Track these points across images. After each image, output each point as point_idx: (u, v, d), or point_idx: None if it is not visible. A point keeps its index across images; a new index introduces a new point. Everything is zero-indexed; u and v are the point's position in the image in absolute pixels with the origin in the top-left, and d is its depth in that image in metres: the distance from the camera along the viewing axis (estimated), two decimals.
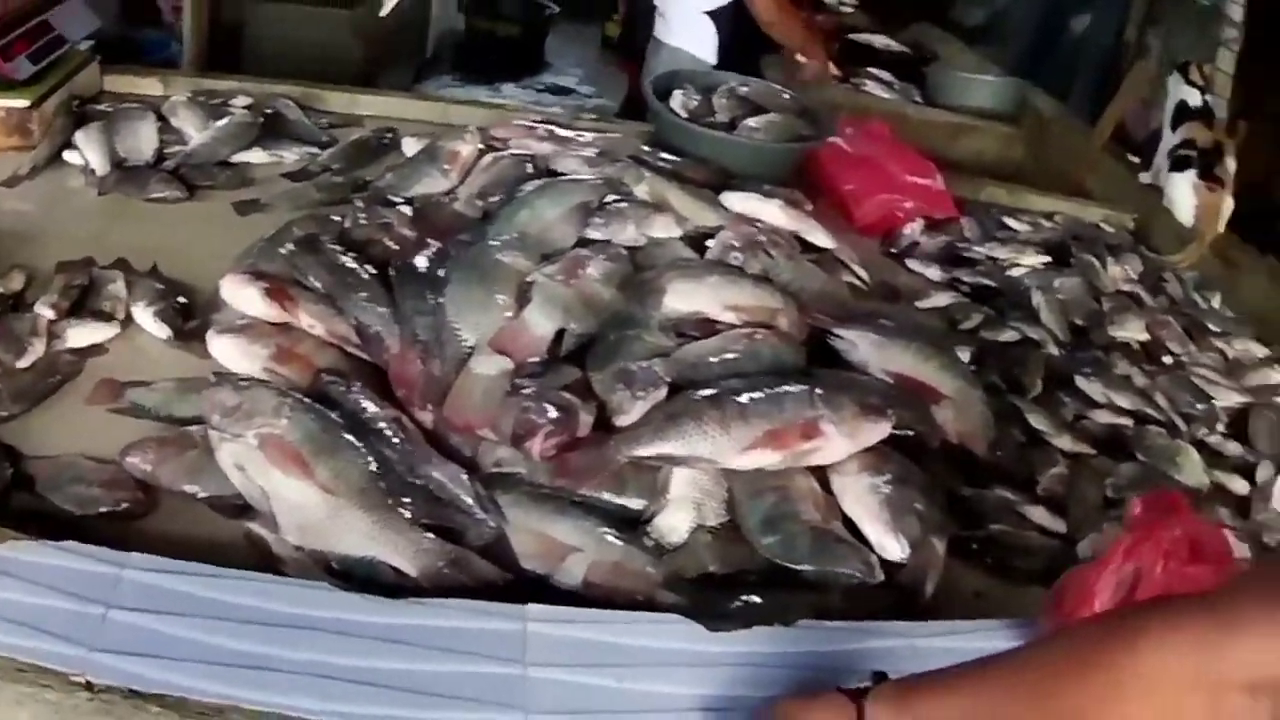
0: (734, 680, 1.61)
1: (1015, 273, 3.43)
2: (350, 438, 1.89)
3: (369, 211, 2.64)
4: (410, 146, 3.14)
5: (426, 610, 1.63)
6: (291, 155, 3.11)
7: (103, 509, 1.81)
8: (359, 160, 3.13)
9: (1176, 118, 4.05)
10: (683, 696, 1.58)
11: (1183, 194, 3.92)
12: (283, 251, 2.38)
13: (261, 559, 1.77)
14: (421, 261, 2.35)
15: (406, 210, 2.69)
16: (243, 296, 2.25)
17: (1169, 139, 4.09)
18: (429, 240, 2.44)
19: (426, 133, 3.17)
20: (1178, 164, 3.96)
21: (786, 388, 2.09)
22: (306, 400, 1.95)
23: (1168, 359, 3.15)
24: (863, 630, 1.74)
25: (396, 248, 2.48)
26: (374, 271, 2.34)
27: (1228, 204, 3.86)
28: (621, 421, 2.05)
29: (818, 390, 2.08)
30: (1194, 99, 4.03)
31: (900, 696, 1.40)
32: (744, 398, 2.04)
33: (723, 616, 1.71)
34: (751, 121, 3.46)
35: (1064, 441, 2.58)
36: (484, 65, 8.33)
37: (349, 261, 2.35)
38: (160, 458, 1.90)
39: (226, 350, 2.16)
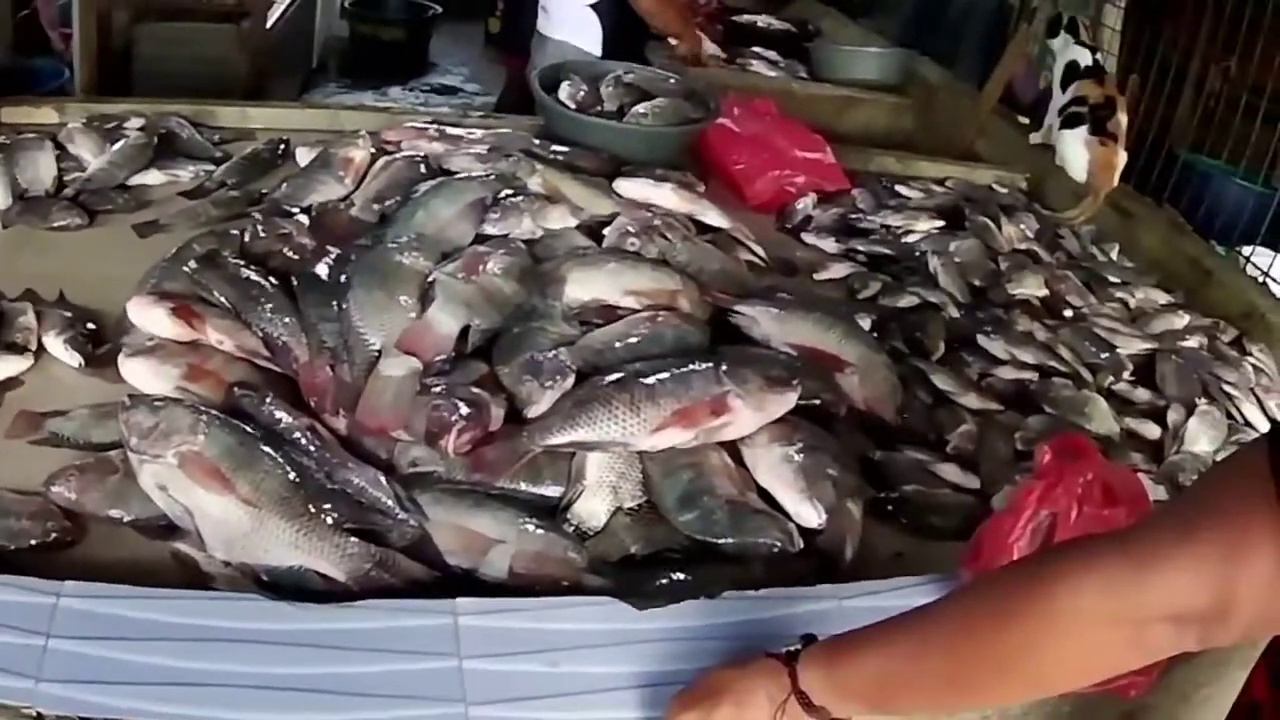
0: (665, 655, 1.66)
1: (910, 239, 3.49)
2: (267, 449, 1.89)
3: (267, 223, 2.64)
4: (304, 156, 3.14)
5: (357, 613, 1.65)
6: (186, 173, 3.09)
7: (33, 541, 1.80)
8: (253, 173, 3.13)
9: (1067, 77, 4.14)
10: (616, 675, 1.62)
11: (1075, 150, 4.01)
12: (186, 270, 2.38)
13: (192, 578, 1.77)
14: (323, 269, 2.37)
15: (304, 219, 2.72)
16: (150, 317, 2.25)
17: (1059, 98, 4.18)
18: (328, 248, 2.46)
19: (319, 141, 3.18)
20: (1069, 121, 4.05)
21: (692, 366, 2.13)
22: (222, 416, 1.94)
23: (1068, 313, 3.23)
24: (788, 596, 1.79)
25: (296, 257, 2.50)
26: (276, 283, 2.34)
27: (1121, 157, 3.96)
28: (532, 412, 2.08)
29: (723, 366, 2.13)
30: (1085, 58, 4.12)
31: (828, 656, 1.45)
32: (651, 379, 2.07)
33: (648, 595, 1.75)
34: (640, 108, 3.51)
35: (970, 400, 2.65)
36: (370, 70, 8.39)
37: (251, 274, 2.36)
38: (83, 485, 1.89)
39: (138, 372, 2.16)
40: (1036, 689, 1.34)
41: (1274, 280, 3.81)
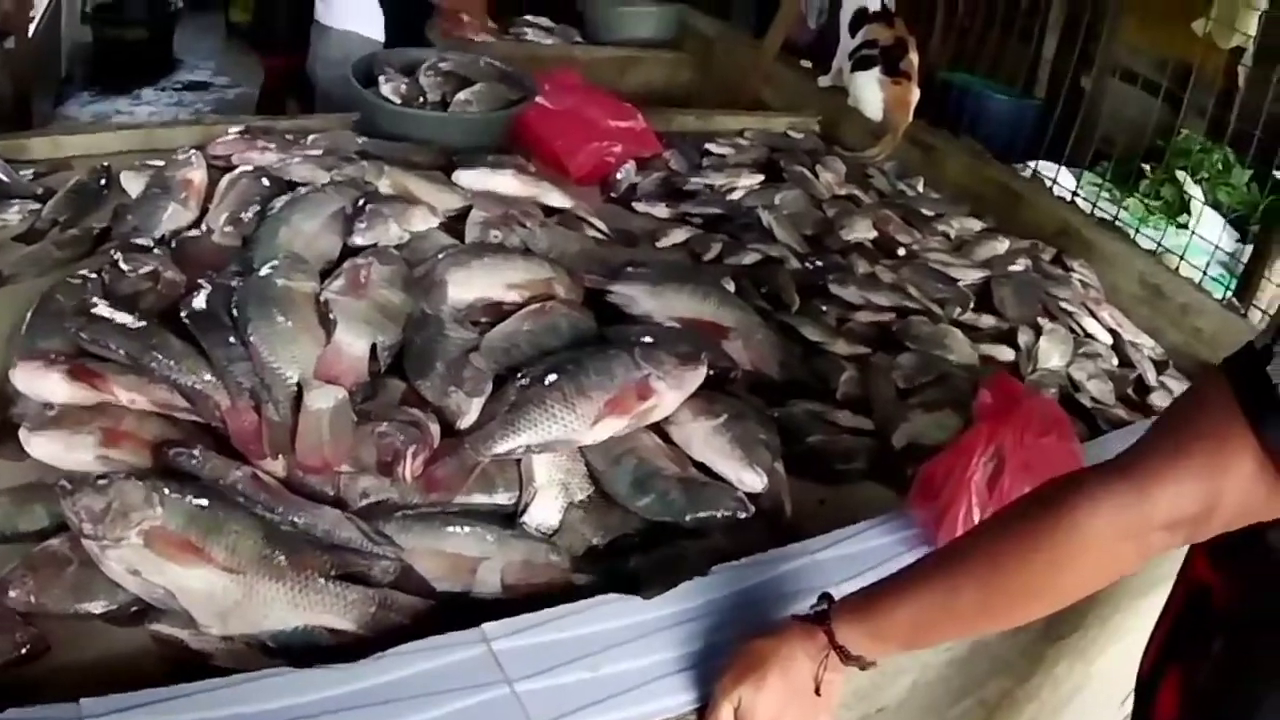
0: (689, 636, 1.77)
1: (735, 195, 3.66)
2: (228, 508, 1.83)
3: (128, 260, 2.52)
4: (132, 183, 3.00)
5: (391, 662, 1.63)
6: (12, 216, 2.88)
7: (5, 659, 1.64)
8: (85, 207, 2.93)
9: (855, 22, 4.37)
10: (653, 665, 1.71)
11: (870, 91, 4.25)
12: (66, 326, 2.22)
13: (180, 657, 1.70)
14: (202, 303, 2.30)
15: (161, 252, 2.62)
16: (43, 385, 2.08)
17: (848, 42, 4.41)
18: (200, 280, 2.40)
19: (142, 165, 3.07)
20: (862, 63, 4.29)
21: (611, 355, 2.24)
22: (172, 482, 1.83)
23: (901, 251, 3.45)
24: (767, 560, 1.94)
25: (169, 295, 2.44)
26: (162, 326, 2.23)
27: (915, 94, 4.22)
28: (463, 423, 2.16)
29: (637, 350, 2.25)
30: (873, 3, 4.36)
31: (862, 610, 1.61)
32: (577, 374, 2.17)
33: (648, 584, 1.85)
34: (462, 95, 3.60)
35: (840, 347, 2.84)
36: (118, 74, 8.20)
37: (136, 321, 2.22)
38: (40, 584, 1.74)
39: (49, 448, 2.00)
40: (1060, 602, 1.54)
41: (1081, 198, 4.11)
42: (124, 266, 2.53)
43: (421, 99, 3.61)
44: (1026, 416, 1.99)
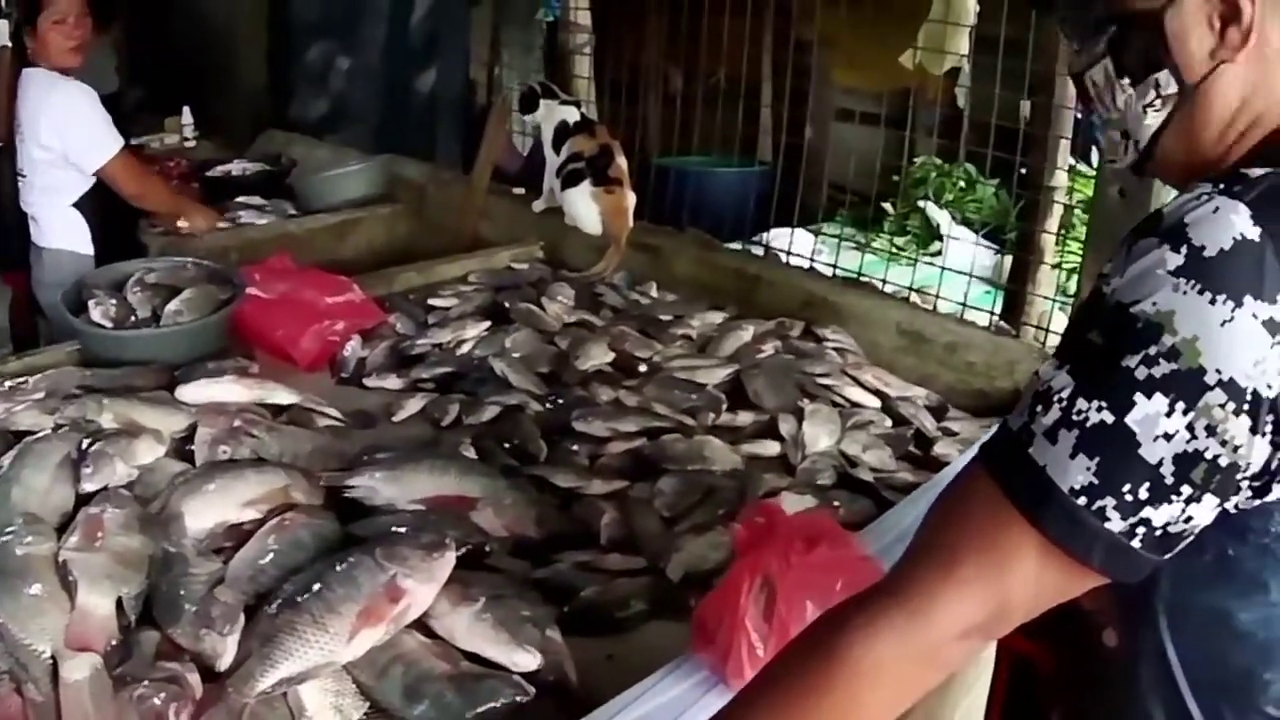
0: None
1: (465, 348, 3.71)
2: None
3: None
4: None
5: None
6: None
7: None
8: None
9: (558, 138, 4.48)
10: None
11: (583, 205, 4.35)
12: None
13: None
14: None
15: None
16: None
17: (554, 160, 4.52)
18: None
19: None
20: (570, 179, 4.40)
21: (350, 562, 2.24)
22: None
23: (643, 368, 3.52)
24: None
25: None
26: None
27: (630, 199, 4.33)
28: (221, 664, 2.13)
29: (377, 552, 2.25)
30: (572, 115, 4.49)
31: None
32: (323, 591, 2.17)
33: None
34: (172, 305, 3.57)
35: (596, 486, 2.86)
36: None
37: None
38: None
39: None
40: None
41: (820, 262, 4.25)
42: None
43: (133, 317, 3.59)
44: (787, 537, 2.03)
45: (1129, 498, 1.29)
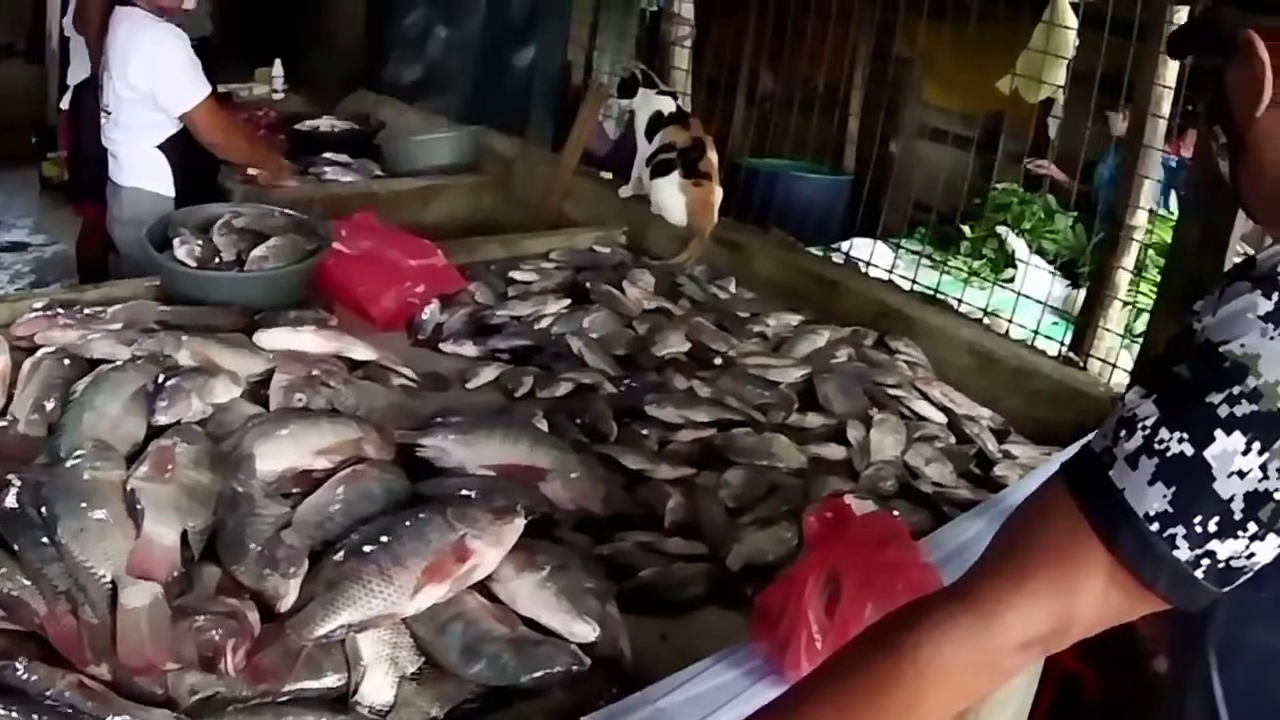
0: None
1: (543, 323, 3.72)
2: None
3: None
4: None
5: None
6: None
7: None
8: None
9: (651, 127, 4.52)
10: None
11: (670, 196, 4.36)
12: None
13: None
14: (12, 502, 2.25)
15: None
16: None
17: (645, 148, 4.55)
18: (9, 477, 2.35)
19: None
20: (660, 169, 4.42)
21: (422, 519, 2.26)
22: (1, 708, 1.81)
23: (718, 360, 3.54)
24: (608, 715, 1.96)
25: None
26: None
27: (717, 194, 4.35)
28: (283, 606, 2.16)
29: (449, 511, 2.27)
30: (667, 106, 4.51)
31: None
32: (391, 544, 2.19)
33: None
34: (258, 251, 3.62)
35: (664, 471, 2.88)
36: None
37: None
38: None
39: None
40: None
41: (898, 274, 4.25)
42: None
43: (218, 259, 3.63)
44: (858, 535, 2.06)
45: (1198, 529, 1.29)
